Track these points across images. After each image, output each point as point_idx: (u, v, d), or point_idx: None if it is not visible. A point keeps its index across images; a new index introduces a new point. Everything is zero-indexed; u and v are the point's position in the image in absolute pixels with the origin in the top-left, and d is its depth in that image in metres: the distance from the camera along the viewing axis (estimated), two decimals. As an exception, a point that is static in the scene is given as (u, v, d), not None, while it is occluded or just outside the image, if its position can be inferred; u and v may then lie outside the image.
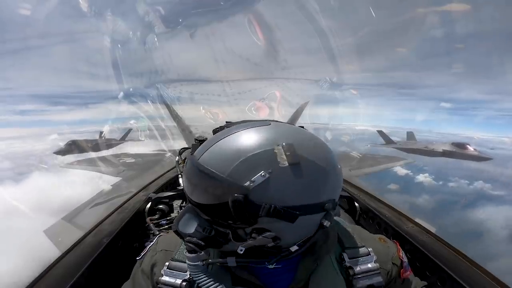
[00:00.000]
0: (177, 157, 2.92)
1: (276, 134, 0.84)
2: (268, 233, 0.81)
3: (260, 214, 0.78)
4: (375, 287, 0.97)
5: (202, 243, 0.85)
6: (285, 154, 0.79)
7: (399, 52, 12.20)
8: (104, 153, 13.06)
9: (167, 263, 0.97)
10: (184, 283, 0.92)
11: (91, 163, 11.85)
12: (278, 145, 0.80)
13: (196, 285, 0.91)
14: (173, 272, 0.95)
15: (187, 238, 0.86)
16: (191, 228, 0.86)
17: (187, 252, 0.87)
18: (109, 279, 1.72)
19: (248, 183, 0.77)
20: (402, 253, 1.08)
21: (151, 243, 1.10)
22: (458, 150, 14.54)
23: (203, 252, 0.86)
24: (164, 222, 2.55)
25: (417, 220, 2.24)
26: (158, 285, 0.96)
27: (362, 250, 1.00)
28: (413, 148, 15.86)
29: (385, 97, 13.77)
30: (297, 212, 0.80)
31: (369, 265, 0.97)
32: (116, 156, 12.46)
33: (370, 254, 1.00)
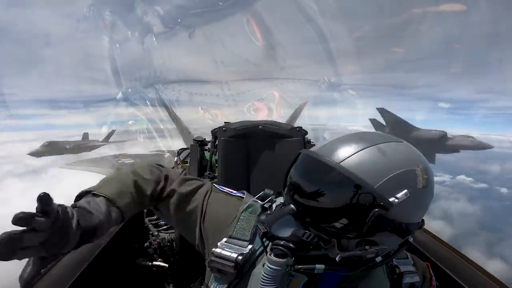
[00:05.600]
0: (176, 157, 2.90)
1: (414, 154, 0.88)
2: (380, 247, 0.82)
3: (388, 229, 0.81)
4: (415, 287, 1.01)
5: (293, 247, 0.82)
6: (422, 176, 0.83)
7: (396, 52, 12.25)
8: (98, 153, 12.92)
9: (225, 239, 0.94)
10: (240, 257, 0.89)
11: (90, 163, 11.81)
12: (418, 167, 0.84)
13: (252, 259, 0.92)
14: (231, 246, 0.92)
15: (276, 241, 0.83)
16: (287, 232, 0.84)
17: (272, 255, 0.81)
18: (108, 279, 1.72)
19: (393, 199, 0.79)
20: (431, 271, 1.10)
21: (236, 192, 1.08)
22: (457, 139, 13.97)
23: (292, 258, 0.82)
24: (163, 222, 2.54)
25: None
26: (211, 257, 0.91)
27: (402, 254, 1.03)
28: (408, 135, 15.01)
29: (382, 97, 13.80)
30: (411, 230, 0.85)
31: (409, 267, 1.02)
32: (115, 156, 12.41)
33: (408, 258, 1.04)
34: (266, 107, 12.50)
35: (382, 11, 11.15)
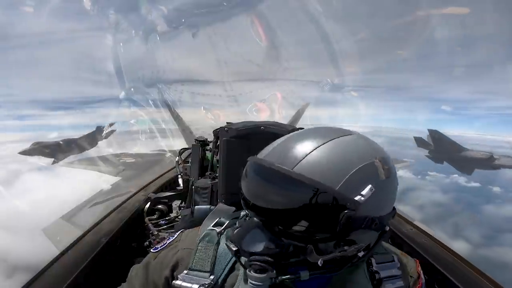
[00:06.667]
0: (177, 157, 2.92)
1: (369, 147, 0.87)
2: (358, 245, 0.81)
3: (362, 226, 0.79)
4: None
5: (271, 260, 0.79)
6: (383, 167, 0.82)
7: (399, 54, 12.22)
8: (96, 153, 12.87)
9: (185, 271, 0.91)
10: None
11: (90, 163, 11.80)
12: (376, 158, 0.83)
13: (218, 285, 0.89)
14: (192, 278, 0.89)
15: (252, 257, 0.80)
16: (259, 246, 0.80)
17: (251, 272, 0.79)
18: (107, 278, 1.73)
19: (358, 197, 0.77)
20: (420, 270, 1.08)
21: (172, 238, 1.04)
22: (502, 159, 13.80)
23: (274, 270, 0.80)
24: (163, 222, 2.56)
25: (416, 222, 2.24)
26: None
27: (387, 256, 1.01)
28: (458, 156, 14.78)
29: (384, 98, 13.78)
30: (385, 221, 0.84)
31: (393, 271, 0.98)
32: (116, 155, 12.41)
33: (394, 261, 1.00)
34: (269, 107, 12.50)
35: (385, 13, 11.13)
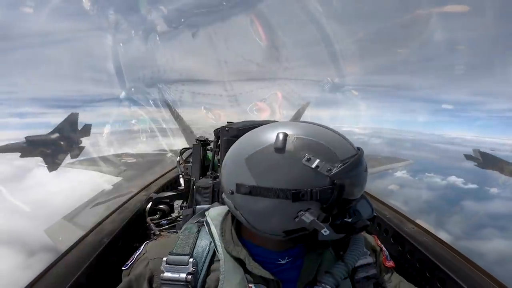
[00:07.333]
0: (178, 157, 2.93)
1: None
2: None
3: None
4: (371, 278, 1.04)
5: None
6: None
7: (400, 53, 12.20)
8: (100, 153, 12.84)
9: (164, 258, 0.96)
10: (189, 277, 0.91)
11: (91, 163, 11.78)
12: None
13: (199, 277, 0.93)
14: (174, 267, 0.93)
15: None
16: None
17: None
18: (109, 278, 1.73)
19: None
20: (380, 243, 1.18)
21: (139, 251, 1.07)
22: None
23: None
24: (165, 222, 2.56)
25: (417, 221, 2.24)
26: (161, 283, 0.94)
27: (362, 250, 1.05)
28: (503, 170, 14.84)
29: (385, 98, 13.76)
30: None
31: (365, 260, 1.05)
32: (117, 156, 12.40)
33: (365, 249, 1.06)
34: (269, 107, 12.51)
35: (386, 13, 11.11)
